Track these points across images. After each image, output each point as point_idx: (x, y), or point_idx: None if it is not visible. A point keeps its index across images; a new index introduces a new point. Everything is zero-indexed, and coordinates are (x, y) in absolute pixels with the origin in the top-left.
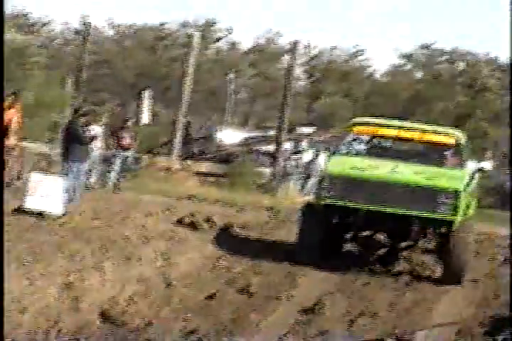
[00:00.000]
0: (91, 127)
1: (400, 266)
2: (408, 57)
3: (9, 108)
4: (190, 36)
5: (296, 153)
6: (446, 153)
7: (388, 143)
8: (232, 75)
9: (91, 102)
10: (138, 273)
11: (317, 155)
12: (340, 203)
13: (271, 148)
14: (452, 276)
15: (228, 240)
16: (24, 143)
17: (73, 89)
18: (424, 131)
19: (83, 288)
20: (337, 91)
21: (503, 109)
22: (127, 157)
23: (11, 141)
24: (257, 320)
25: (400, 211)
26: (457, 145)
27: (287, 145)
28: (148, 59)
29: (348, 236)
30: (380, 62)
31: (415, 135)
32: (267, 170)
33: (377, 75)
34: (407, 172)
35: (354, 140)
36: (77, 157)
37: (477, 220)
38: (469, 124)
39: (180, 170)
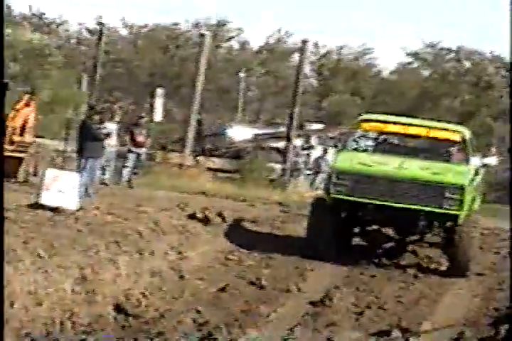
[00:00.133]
0: (105, 124)
1: (407, 260)
2: (415, 55)
3: (26, 106)
4: (202, 36)
5: (305, 149)
6: (452, 149)
7: (395, 140)
8: (243, 74)
9: (105, 100)
10: (151, 266)
11: (326, 152)
12: (348, 198)
13: (281, 144)
14: (458, 269)
15: (239, 234)
16: (40, 140)
17: (88, 87)
18: (430, 128)
19: (98, 281)
20: (345, 89)
21: (507, 106)
22: (141, 154)
23: (27, 138)
24: (267, 312)
25: (407, 205)
26: (463, 141)
27: (297, 142)
28: (162, 58)
29: (356, 230)
30: (388, 60)
31: (422, 131)
32: (277, 166)
33: (385, 73)
34: (414, 168)
35: (362, 136)
36: (92, 153)
37: (482, 215)
38: (475, 121)
39: (193, 167)
